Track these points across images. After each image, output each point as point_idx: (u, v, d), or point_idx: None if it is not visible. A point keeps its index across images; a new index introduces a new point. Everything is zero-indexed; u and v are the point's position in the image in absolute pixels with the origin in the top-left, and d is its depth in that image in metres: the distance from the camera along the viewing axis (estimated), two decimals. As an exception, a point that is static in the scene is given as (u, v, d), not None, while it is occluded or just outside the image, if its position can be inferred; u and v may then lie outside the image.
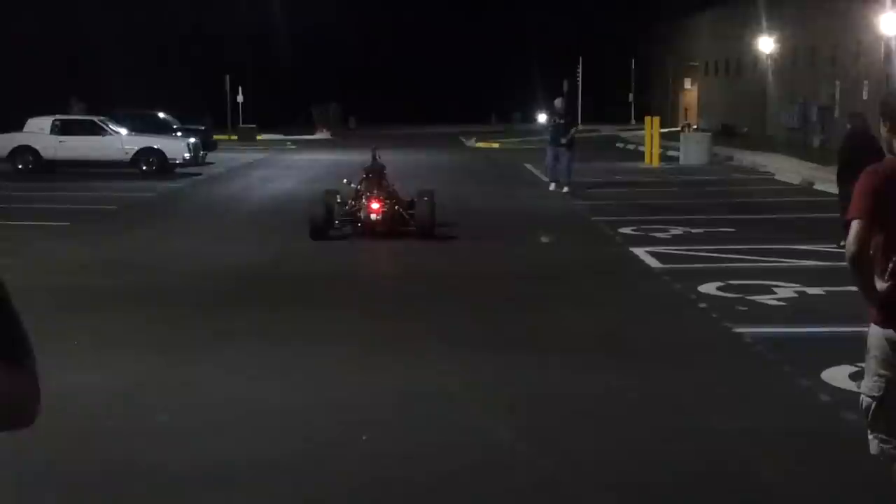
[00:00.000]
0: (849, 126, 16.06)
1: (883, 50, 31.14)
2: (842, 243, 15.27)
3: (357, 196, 16.66)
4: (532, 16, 73.23)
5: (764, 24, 41.88)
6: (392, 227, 16.20)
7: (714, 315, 10.58)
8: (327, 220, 16.05)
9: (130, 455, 6.56)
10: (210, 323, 10.42)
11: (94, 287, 12.37)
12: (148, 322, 10.45)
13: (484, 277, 13.15)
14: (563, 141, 24.24)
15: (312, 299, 11.81)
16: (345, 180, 17.78)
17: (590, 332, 10.04)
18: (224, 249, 15.43)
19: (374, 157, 17.50)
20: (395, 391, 8.05)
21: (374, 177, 16.77)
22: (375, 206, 16.20)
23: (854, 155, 14.55)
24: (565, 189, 23.85)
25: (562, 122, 24.82)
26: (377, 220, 16.14)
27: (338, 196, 16.78)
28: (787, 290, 11.77)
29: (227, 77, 53.46)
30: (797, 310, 10.93)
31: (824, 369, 8.35)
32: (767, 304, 11.14)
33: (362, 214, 16.23)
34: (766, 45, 42.12)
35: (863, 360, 4.86)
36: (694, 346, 9.54)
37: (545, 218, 19.30)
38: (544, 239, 16.47)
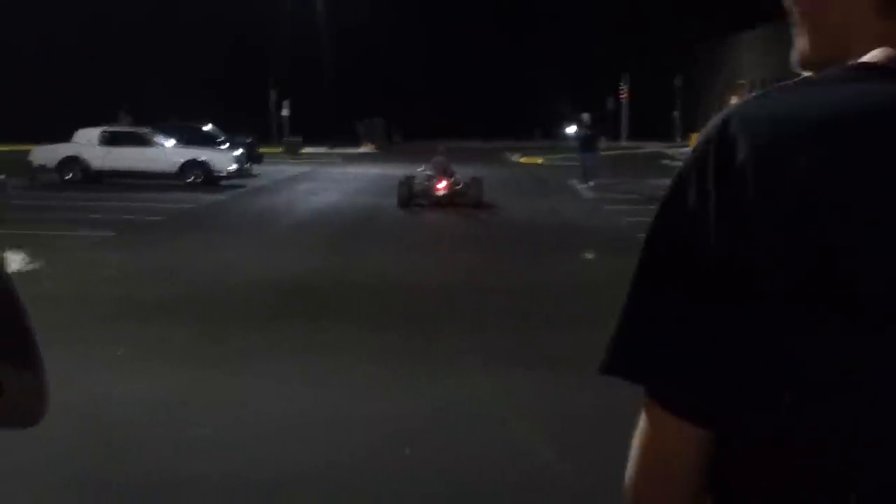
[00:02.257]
0: None
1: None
2: None
3: (429, 179, 23.65)
4: (577, 31, 73.16)
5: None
6: (453, 199, 23.15)
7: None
8: (409, 196, 23.20)
9: (172, 466, 6.57)
10: (253, 335, 10.44)
11: (137, 297, 12.45)
12: (191, 333, 10.49)
13: (525, 292, 13.10)
14: (598, 147, 30.78)
15: (353, 312, 11.80)
16: (419, 168, 24.88)
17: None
18: (268, 261, 15.51)
19: (441, 153, 24.34)
20: (434, 406, 8.01)
21: (441, 164, 23.90)
22: (441, 185, 23.35)
23: None
24: (591, 183, 29.25)
25: (590, 133, 30.59)
26: (443, 195, 23.16)
27: (415, 179, 23.88)
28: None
29: (273, 91, 53.84)
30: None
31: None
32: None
33: (433, 192, 23.16)
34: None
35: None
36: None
37: (588, 233, 19.22)
38: (588, 255, 16.38)
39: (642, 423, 1.30)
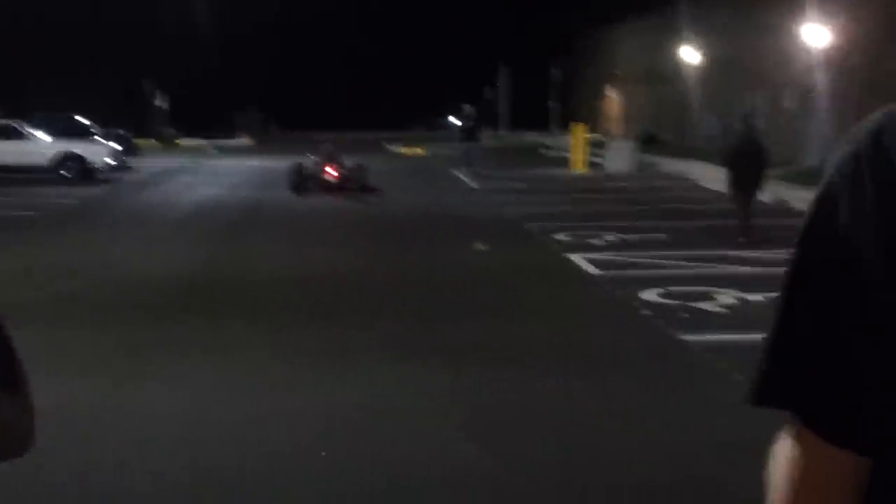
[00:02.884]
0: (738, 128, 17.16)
1: (806, 60, 31.64)
2: (740, 240, 15.82)
3: (317, 165, 25.43)
4: (455, 21, 73.30)
5: (686, 33, 42.35)
6: (341, 185, 24.77)
7: (658, 322, 10.53)
8: (300, 181, 24.88)
9: (80, 486, 6.25)
10: (147, 335, 10.07)
11: (15, 300, 11.90)
12: (78, 336, 10.03)
13: (422, 283, 12.97)
14: (475, 137, 33.21)
15: (249, 308, 11.50)
16: (308, 154, 26.41)
17: (535, 341, 9.89)
18: (154, 257, 15.07)
19: (328, 143, 26.99)
20: (347, 403, 7.82)
21: (328, 151, 25.83)
22: (330, 170, 25.07)
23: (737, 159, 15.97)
24: (472, 167, 31.24)
25: (471, 124, 33.09)
26: (332, 180, 24.83)
27: (304, 165, 25.52)
28: (727, 297, 11.77)
29: (148, 80, 52.64)
30: (740, 317, 10.92)
31: (775, 377, 8.30)
32: (710, 312, 11.11)
33: (322, 177, 24.97)
34: (689, 54, 42.60)
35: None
36: (642, 354, 9.44)
37: (478, 223, 19.21)
38: (480, 246, 16.34)
39: (791, 451, 1.22)
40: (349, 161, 26.18)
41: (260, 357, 9.17)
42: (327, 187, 24.71)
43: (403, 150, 46.65)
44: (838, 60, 29.48)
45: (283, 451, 6.70)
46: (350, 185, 24.92)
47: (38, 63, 47.14)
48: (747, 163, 16.07)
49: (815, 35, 29.99)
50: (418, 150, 45.86)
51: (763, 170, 16.16)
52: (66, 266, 14.25)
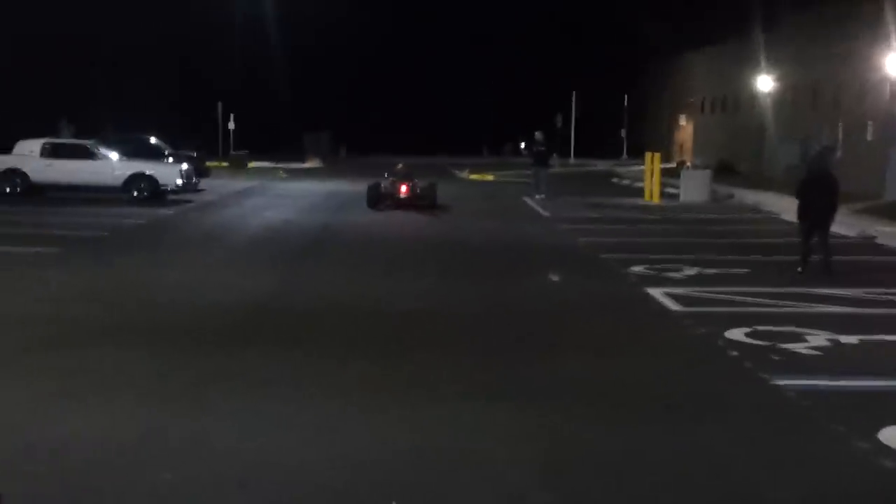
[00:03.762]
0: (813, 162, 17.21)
1: (889, 90, 30.74)
2: (798, 269, 15.87)
3: (393, 184, 28.00)
4: (528, 49, 72.90)
5: (763, 61, 41.54)
6: (413, 201, 27.41)
7: (748, 364, 9.94)
8: (377, 198, 27.70)
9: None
10: (206, 365, 9.66)
11: (79, 320, 11.63)
12: (138, 362, 9.67)
13: (495, 317, 12.47)
14: (550, 164, 34.13)
15: (314, 339, 11.07)
16: (385, 174, 28.94)
17: (615, 382, 9.35)
18: (220, 281, 14.74)
19: (403, 164, 30.61)
20: (415, 446, 7.34)
21: (404, 170, 29.03)
22: (404, 188, 27.73)
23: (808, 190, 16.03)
24: (542, 196, 31.45)
25: (542, 149, 33.23)
26: (405, 197, 27.47)
27: (381, 184, 28.16)
28: (818, 338, 11.14)
29: (220, 103, 52.86)
30: (835, 360, 10.29)
31: (880, 429, 7.71)
32: (802, 354, 10.49)
33: (396, 192, 27.62)
34: (765, 83, 41.75)
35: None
36: (732, 399, 8.85)
37: (551, 252, 18.69)
38: (553, 277, 15.82)
39: None
40: (421, 181, 28.44)
41: (322, 393, 8.72)
42: (400, 203, 27.28)
43: (471, 175, 46.23)
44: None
45: (348, 498, 6.24)
46: (421, 202, 27.56)
47: (113, 84, 47.57)
48: (816, 194, 15.95)
49: (900, 65, 29.14)
50: (487, 177, 45.41)
51: (832, 202, 16.02)
52: (129, 290, 13.97)
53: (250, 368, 9.55)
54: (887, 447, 7.38)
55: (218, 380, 9.08)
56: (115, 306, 12.61)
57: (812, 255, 16.18)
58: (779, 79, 41.27)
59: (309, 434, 7.57)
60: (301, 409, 8.20)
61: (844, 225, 22.82)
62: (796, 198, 16.42)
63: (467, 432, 7.70)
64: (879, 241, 20.96)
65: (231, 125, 52.27)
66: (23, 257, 16.63)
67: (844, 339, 11.15)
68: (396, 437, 7.53)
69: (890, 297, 13.97)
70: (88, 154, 28.18)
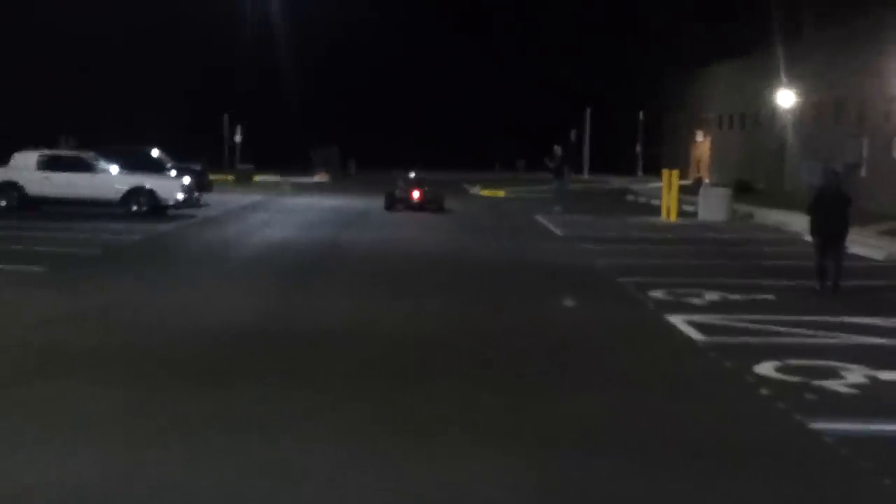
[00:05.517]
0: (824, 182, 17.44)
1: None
2: (816, 286, 15.69)
3: (405, 189, 32.38)
4: (541, 65, 72.07)
5: (784, 76, 40.57)
6: (423, 205, 31.62)
7: (781, 405, 9.02)
8: (392, 202, 32.02)
9: None
10: (197, 399, 8.78)
11: (63, 347, 10.76)
12: (122, 395, 8.81)
13: (506, 347, 11.55)
14: (565, 177, 34.91)
15: (316, 371, 10.15)
16: (400, 182, 33.21)
17: (639, 424, 8.44)
18: (217, 304, 13.88)
19: (415, 171, 35.61)
20: (421, 499, 6.45)
21: (416, 178, 33.99)
22: (416, 193, 32.08)
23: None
24: (559, 209, 32.42)
25: (560, 163, 34.31)
26: (416, 201, 31.76)
27: (396, 190, 32.44)
28: (855, 374, 10.22)
29: (226, 116, 52.10)
30: (874, 399, 9.38)
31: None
32: (839, 393, 9.57)
33: (409, 198, 31.93)
34: (787, 98, 40.78)
35: None
36: (767, 446, 7.93)
37: (565, 275, 17.78)
38: (568, 302, 14.89)
39: None
40: (430, 187, 32.84)
41: (316, 435, 7.83)
42: (413, 206, 31.54)
43: (483, 191, 45.33)
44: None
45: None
46: (431, 206, 31.68)
47: (116, 96, 46.87)
48: (828, 210, 16.06)
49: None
50: (499, 193, 44.52)
51: (845, 218, 16.14)
52: (117, 313, 13.11)
53: (236, 406, 8.64)
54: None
55: (198, 421, 8.18)
56: (97, 332, 11.76)
57: (828, 274, 16.04)
58: (801, 94, 40.29)
59: (313, 485, 6.66)
60: (303, 454, 7.28)
61: (871, 247, 21.85)
62: (808, 214, 16.59)
63: (472, 483, 6.78)
64: (909, 264, 19.97)
65: (238, 138, 51.50)
66: (6, 277, 15.75)
67: (883, 375, 10.22)
68: (397, 488, 6.63)
69: (928, 328, 13.03)
70: (87, 167, 27.40)
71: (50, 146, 31.13)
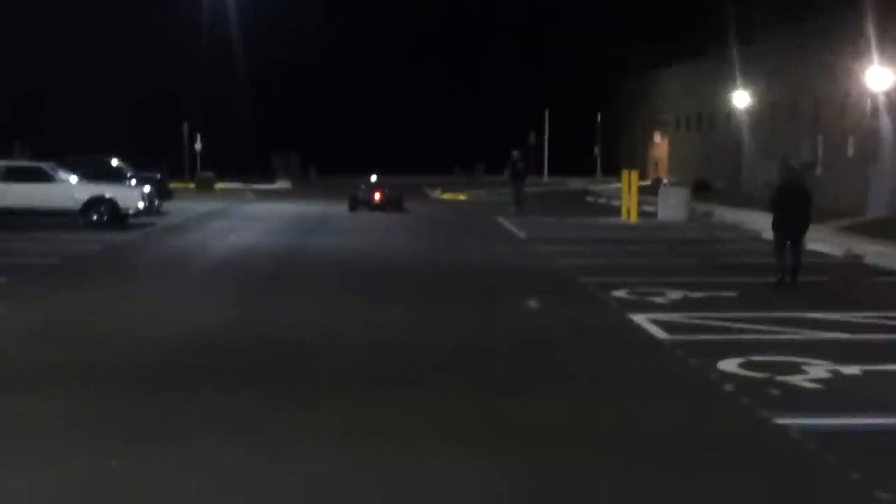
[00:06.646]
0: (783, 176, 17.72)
1: (869, 105, 30.13)
2: (775, 280, 15.87)
3: (367, 191, 35.39)
4: (498, 69, 72.25)
5: (739, 77, 40.95)
6: (383, 205, 34.27)
7: (745, 401, 9.09)
8: (355, 202, 34.67)
9: None
10: (160, 411, 8.71)
11: (17, 361, 10.62)
12: (80, 410, 8.72)
13: (470, 349, 11.57)
14: (522, 180, 35.36)
15: (280, 379, 10.12)
16: (362, 185, 36.72)
17: (605, 424, 8.48)
18: (179, 313, 13.75)
19: (375, 174, 39.80)
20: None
21: (377, 181, 37.95)
22: (377, 195, 34.91)
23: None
24: (516, 211, 33.20)
25: (521, 166, 35.26)
26: (377, 202, 34.52)
27: (359, 192, 35.24)
28: (818, 369, 10.32)
29: (185, 123, 51.82)
30: (837, 394, 9.48)
31: (902, 476, 6.90)
32: (803, 388, 9.66)
33: (370, 199, 34.82)
34: (742, 99, 41.16)
35: None
36: (735, 443, 8.00)
37: (528, 276, 17.84)
38: (532, 303, 14.94)
39: None
40: (389, 189, 35.51)
41: (284, 442, 7.79)
42: (373, 207, 34.16)
43: (444, 195, 45.40)
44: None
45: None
46: (390, 207, 34.21)
47: (68, 104, 46.42)
48: (790, 206, 16.27)
49: (879, 78, 28.55)
50: (460, 196, 44.59)
51: (807, 214, 16.44)
52: (76, 325, 12.98)
53: (201, 418, 8.59)
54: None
55: (158, 429, 8.12)
56: (55, 344, 11.62)
57: (786, 268, 16.27)
58: (755, 94, 40.68)
59: (281, 496, 6.64)
60: (268, 463, 7.26)
61: (830, 244, 22.11)
62: (770, 210, 16.82)
63: (441, 489, 6.79)
64: (867, 260, 20.22)
65: (198, 146, 51.24)
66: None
67: (846, 369, 10.34)
68: (363, 494, 6.63)
69: (887, 322, 13.21)
70: (45, 177, 27.13)
71: (2, 156, 30.77)
